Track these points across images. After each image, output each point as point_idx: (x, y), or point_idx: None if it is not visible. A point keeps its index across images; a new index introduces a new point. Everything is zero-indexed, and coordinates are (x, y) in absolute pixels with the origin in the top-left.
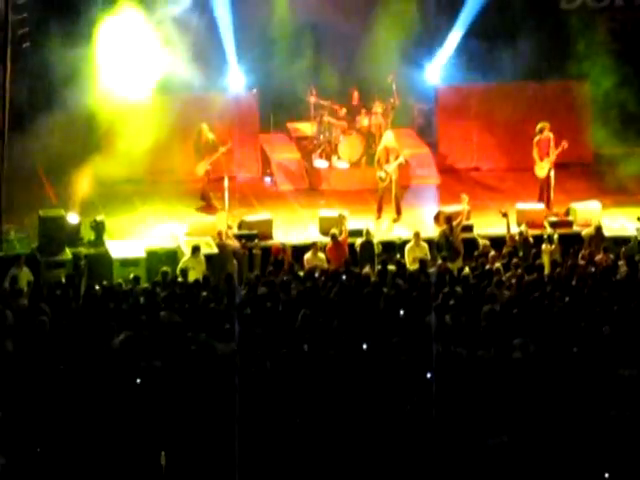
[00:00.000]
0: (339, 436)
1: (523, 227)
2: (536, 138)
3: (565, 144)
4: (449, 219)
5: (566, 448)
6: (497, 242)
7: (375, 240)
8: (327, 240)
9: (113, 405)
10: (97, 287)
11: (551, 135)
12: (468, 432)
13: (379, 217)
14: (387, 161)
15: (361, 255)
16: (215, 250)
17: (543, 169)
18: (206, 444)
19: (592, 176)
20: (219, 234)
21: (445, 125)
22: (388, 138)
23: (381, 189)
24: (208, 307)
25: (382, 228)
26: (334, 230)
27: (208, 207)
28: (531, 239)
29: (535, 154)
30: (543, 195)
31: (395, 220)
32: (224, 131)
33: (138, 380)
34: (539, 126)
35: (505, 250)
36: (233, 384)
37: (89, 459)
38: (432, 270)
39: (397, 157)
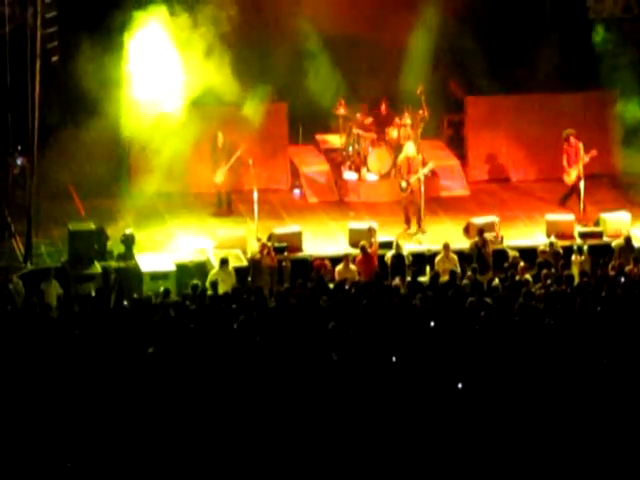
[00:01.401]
0: (365, 446)
1: (553, 238)
2: (565, 145)
3: (594, 152)
4: (481, 231)
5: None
6: (526, 253)
7: (405, 252)
8: (357, 252)
9: (143, 418)
10: (127, 301)
11: (579, 143)
12: (495, 444)
13: (408, 228)
14: (409, 171)
15: (392, 267)
16: (244, 263)
17: (570, 175)
18: (234, 450)
19: (621, 187)
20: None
21: (474, 136)
22: (409, 149)
23: (403, 199)
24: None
25: (412, 232)
26: (364, 242)
27: (227, 212)
28: (560, 250)
29: (564, 161)
30: (568, 200)
31: (417, 232)
32: (253, 143)
33: (169, 392)
34: (565, 133)
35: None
36: (261, 395)
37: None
38: (465, 282)
39: (423, 166)
